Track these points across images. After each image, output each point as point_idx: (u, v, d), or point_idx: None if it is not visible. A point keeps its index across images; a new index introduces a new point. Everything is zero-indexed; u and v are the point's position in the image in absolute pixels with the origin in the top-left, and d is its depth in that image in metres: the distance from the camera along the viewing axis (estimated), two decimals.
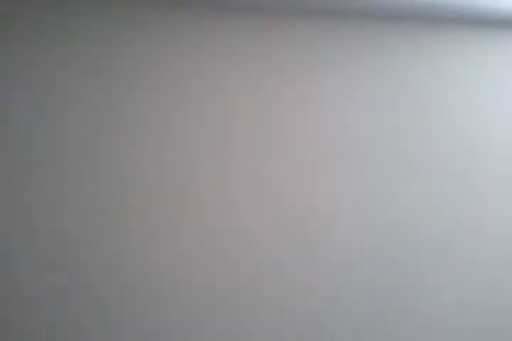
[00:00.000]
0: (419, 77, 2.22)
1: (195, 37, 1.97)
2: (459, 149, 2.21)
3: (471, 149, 2.21)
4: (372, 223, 2.10)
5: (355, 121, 2.12)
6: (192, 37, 1.97)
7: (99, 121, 1.84)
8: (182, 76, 1.94)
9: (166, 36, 1.94)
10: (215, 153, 1.94)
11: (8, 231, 1.71)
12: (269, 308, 1.92)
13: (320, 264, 2.01)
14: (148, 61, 1.91)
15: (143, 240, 1.83)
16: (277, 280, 1.95)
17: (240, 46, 2.02)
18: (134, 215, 1.83)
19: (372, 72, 2.16)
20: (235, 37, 2.03)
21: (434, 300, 2.12)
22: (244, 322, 1.89)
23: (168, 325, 1.82)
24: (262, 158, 2.00)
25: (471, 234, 2.19)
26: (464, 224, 2.18)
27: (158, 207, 1.86)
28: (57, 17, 1.83)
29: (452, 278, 2.15)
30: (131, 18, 1.91)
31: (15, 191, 1.73)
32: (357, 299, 2.03)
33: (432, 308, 2.11)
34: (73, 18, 1.85)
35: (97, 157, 1.82)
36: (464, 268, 2.16)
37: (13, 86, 1.76)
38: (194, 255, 1.87)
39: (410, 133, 2.17)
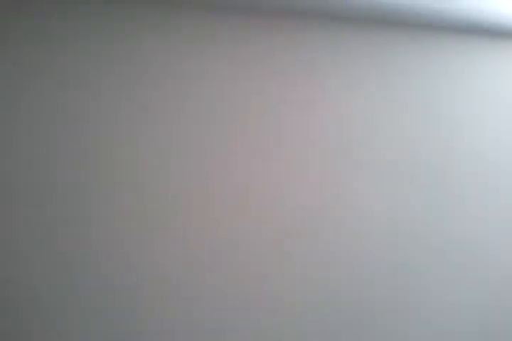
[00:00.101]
0: (419, 81, 2.24)
1: (197, 38, 1.97)
2: (451, 151, 2.23)
3: (461, 148, 2.24)
4: (372, 224, 2.11)
5: (355, 122, 2.12)
6: (193, 38, 1.97)
7: (100, 120, 1.84)
8: (184, 77, 1.95)
9: (168, 38, 1.94)
10: (218, 154, 1.95)
11: (11, 231, 1.71)
12: (273, 308, 1.93)
13: (324, 264, 2.02)
14: (150, 62, 1.91)
15: (147, 240, 1.83)
16: (281, 280, 1.96)
17: (242, 47, 2.03)
18: (138, 214, 1.84)
19: (373, 74, 2.17)
20: (237, 38, 2.03)
21: (433, 299, 2.13)
22: (250, 321, 1.90)
23: (173, 325, 1.82)
24: (264, 159, 2.00)
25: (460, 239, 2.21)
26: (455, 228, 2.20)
27: (161, 207, 1.86)
28: (57, 17, 1.83)
29: (449, 278, 2.17)
30: (132, 18, 1.92)
31: (14, 190, 1.73)
32: (363, 299, 2.04)
33: (432, 307, 2.13)
34: (73, 17, 1.86)
35: (98, 156, 1.82)
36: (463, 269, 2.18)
37: (13, 86, 1.77)
38: (199, 255, 1.88)
39: (407, 135, 2.18)
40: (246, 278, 1.92)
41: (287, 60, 2.07)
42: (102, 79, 1.86)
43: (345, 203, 2.07)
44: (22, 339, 1.66)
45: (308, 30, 2.10)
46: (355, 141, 2.10)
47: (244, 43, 2.03)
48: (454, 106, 2.25)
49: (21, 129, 1.76)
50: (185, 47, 1.96)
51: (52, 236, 1.74)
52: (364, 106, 2.12)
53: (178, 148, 1.90)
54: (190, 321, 1.84)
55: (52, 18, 1.82)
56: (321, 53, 2.10)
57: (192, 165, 1.91)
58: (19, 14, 1.79)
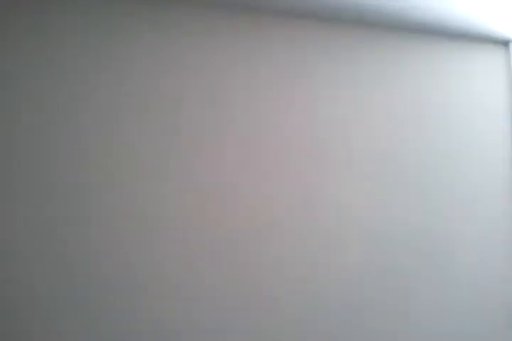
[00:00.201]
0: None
1: (196, 34, 1.99)
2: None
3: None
4: (360, 225, 2.11)
5: (328, 122, 2.15)
6: (192, 34, 1.98)
7: (101, 120, 1.84)
8: (183, 73, 1.95)
9: (168, 33, 1.95)
10: (216, 152, 1.95)
11: (11, 231, 1.71)
12: (276, 308, 1.93)
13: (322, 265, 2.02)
14: (149, 58, 1.92)
15: (146, 240, 1.83)
16: (283, 280, 1.96)
17: (242, 44, 2.04)
18: (137, 214, 1.84)
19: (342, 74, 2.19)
20: (236, 35, 2.04)
21: (422, 301, 2.14)
22: (245, 321, 1.90)
23: (173, 325, 1.82)
24: (256, 157, 2.01)
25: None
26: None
27: (161, 206, 1.86)
28: (56, 16, 1.84)
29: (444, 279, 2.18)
30: (131, 15, 1.92)
31: (15, 190, 1.73)
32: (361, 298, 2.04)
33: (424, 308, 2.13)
34: (73, 17, 1.86)
35: (97, 154, 1.82)
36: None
37: (13, 86, 1.77)
38: (198, 255, 1.88)
39: (380, 135, 2.20)
40: (249, 278, 1.93)
41: (280, 56, 2.09)
42: (102, 78, 1.86)
43: (336, 204, 2.08)
44: (22, 339, 1.66)
45: (310, 29, 2.13)
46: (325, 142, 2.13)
47: (243, 40, 2.05)
48: (420, 106, 2.28)
49: (21, 129, 1.76)
50: (185, 43, 1.97)
51: (52, 236, 1.73)
52: (332, 105, 2.14)
53: (177, 147, 1.91)
54: (190, 321, 1.83)
55: (50, 14, 1.83)
56: (319, 51, 2.13)
57: (189, 162, 1.92)
58: (18, 10, 1.80)
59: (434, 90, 2.30)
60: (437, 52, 2.34)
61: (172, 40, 1.96)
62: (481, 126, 2.35)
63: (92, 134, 1.82)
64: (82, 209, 1.78)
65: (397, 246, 2.12)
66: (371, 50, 2.23)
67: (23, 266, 1.70)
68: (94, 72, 1.85)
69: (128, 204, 1.83)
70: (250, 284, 1.92)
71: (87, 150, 1.81)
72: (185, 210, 1.88)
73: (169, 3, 1.96)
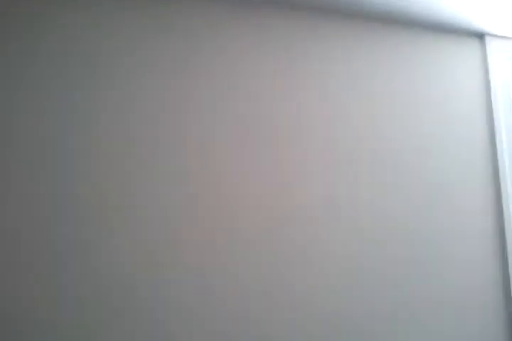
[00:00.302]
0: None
1: (197, 30, 2.01)
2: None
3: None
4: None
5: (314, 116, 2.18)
6: (195, 28, 2.01)
7: (101, 120, 1.84)
8: (186, 71, 1.97)
9: (176, 28, 1.97)
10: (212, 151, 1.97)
11: (12, 230, 1.69)
12: (274, 308, 1.94)
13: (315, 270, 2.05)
14: (154, 56, 1.93)
15: (145, 240, 1.83)
16: (276, 281, 1.97)
17: (244, 40, 2.08)
18: (136, 218, 1.84)
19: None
20: (241, 30, 2.08)
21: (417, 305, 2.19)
22: (250, 322, 1.91)
23: (173, 324, 1.81)
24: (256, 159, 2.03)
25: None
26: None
27: (155, 207, 1.86)
28: (56, 16, 1.84)
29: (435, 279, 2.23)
30: (133, 14, 1.93)
31: (15, 190, 1.72)
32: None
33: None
34: (73, 16, 1.86)
35: (95, 155, 1.82)
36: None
37: (13, 86, 1.76)
38: (197, 257, 1.88)
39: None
40: (247, 279, 1.94)
41: (275, 50, 2.14)
42: (102, 78, 1.86)
43: (326, 198, 2.12)
44: (22, 339, 1.64)
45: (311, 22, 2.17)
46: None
47: (243, 34, 2.09)
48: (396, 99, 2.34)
49: (21, 130, 1.75)
50: (188, 38, 2.00)
51: (52, 236, 1.72)
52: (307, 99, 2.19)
53: (177, 144, 1.92)
54: (190, 321, 1.84)
55: (52, 18, 1.83)
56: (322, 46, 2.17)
57: (196, 165, 1.93)
58: (19, 14, 1.79)
59: (409, 82, 2.33)
60: (413, 44, 2.38)
61: (174, 35, 1.97)
62: (456, 119, 2.39)
63: (93, 135, 1.82)
64: (80, 209, 1.77)
65: (384, 243, 2.15)
66: (345, 41, 2.27)
67: (33, 267, 1.68)
68: (95, 73, 1.86)
69: (125, 207, 1.82)
70: (253, 284, 1.94)
71: (84, 150, 1.81)
72: (187, 210, 1.89)
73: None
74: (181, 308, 1.82)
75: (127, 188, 1.83)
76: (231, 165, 1.97)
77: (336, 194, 2.10)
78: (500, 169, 2.39)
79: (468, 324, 2.21)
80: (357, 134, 2.19)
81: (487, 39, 2.50)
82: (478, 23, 2.40)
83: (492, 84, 2.45)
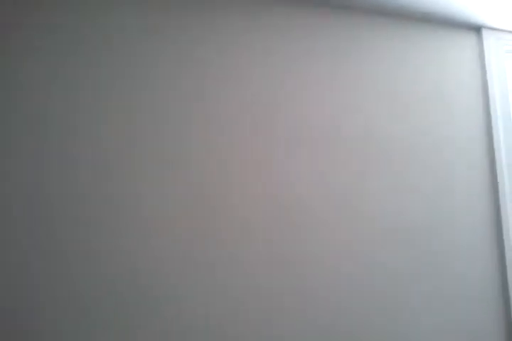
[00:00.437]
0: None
1: (198, 27, 2.01)
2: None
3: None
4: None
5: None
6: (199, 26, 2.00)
7: (102, 120, 1.84)
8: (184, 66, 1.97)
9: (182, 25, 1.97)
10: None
11: (11, 231, 1.70)
12: (273, 308, 1.94)
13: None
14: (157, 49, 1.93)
15: (147, 242, 1.84)
16: (274, 278, 1.98)
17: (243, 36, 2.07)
18: (138, 215, 1.84)
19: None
20: (240, 26, 2.08)
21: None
22: (249, 321, 1.92)
23: (173, 324, 1.82)
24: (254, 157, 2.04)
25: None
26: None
27: (155, 199, 1.87)
28: (59, 16, 1.84)
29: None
30: (132, 16, 1.93)
31: (14, 190, 1.72)
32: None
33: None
34: (73, 16, 1.86)
35: (95, 156, 1.82)
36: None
37: (13, 86, 1.76)
38: (198, 257, 1.89)
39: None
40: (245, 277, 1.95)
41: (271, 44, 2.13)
42: (102, 78, 1.87)
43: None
44: (22, 339, 1.65)
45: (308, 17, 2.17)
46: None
47: (245, 34, 2.09)
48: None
49: (22, 130, 1.75)
50: (193, 37, 2.00)
51: (51, 236, 1.73)
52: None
53: (177, 142, 1.93)
54: (191, 321, 1.84)
55: (51, 12, 1.83)
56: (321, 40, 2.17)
57: (194, 166, 1.94)
58: (19, 14, 1.79)
59: (406, 76, 2.33)
60: (409, 37, 2.37)
61: (174, 35, 1.97)
62: (453, 111, 2.39)
63: (93, 135, 1.82)
64: (81, 209, 1.78)
65: (385, 234, 2.16)
66: (343, 34, 2.27)
67: (41, 272, 1.69)
68: (95, 73, 1.86)
69: (127, 204, 1.83)
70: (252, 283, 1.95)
71: (90, 148, 1.81)
72: (188, 210, 1.90)
73: None
74: (188, 306, 1.83)
75: (132, 188, 1.83)
76: (237, 159, 1.98)
77: (339, 186, 2.11)
78: (496, 159, 2.40)
79: (465, 316, 2.23)
80: (357, 128, 2.19)
81: (484, 32, 2.50)
82: (475, 16, 2.39)
83: (489, 77, 2.45)
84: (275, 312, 1.93)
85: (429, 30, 2.42)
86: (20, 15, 1.80)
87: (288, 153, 2.06)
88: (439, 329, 2.17)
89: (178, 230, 1.86)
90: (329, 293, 2.01)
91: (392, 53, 2.33)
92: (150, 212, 1.84)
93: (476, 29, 2.53)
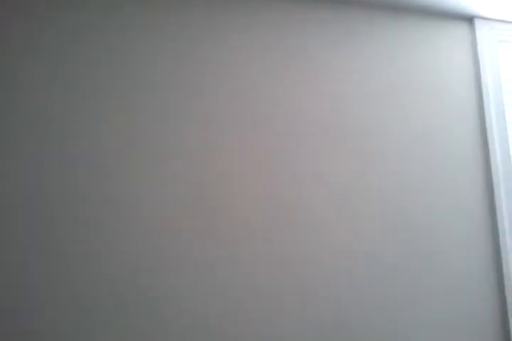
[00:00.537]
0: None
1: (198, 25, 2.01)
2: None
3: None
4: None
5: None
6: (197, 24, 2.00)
7: (102, 120, 1.84)
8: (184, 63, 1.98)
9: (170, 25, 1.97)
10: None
11: (11, 231, 1.71)
12: (273, 308, 1.95)
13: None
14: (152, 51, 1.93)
15: (148, 241, 1.84)
16: (274, 277, 1.98)
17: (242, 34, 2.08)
18: (138, 215, 1.85)
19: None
20: (238, 23, 2.08)
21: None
22: (249, 321, 1.93)
23: (173, 325, 1.82)
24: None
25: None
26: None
27: (159, 203, 1.87)
28: (59, 16, 1.83)
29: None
30: (131, 14, 1.93)
31: (14, 190, 1.73)
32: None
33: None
34: (73, 16, 1.85)
35: (94, 156, 1.82)
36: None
37: (13, 86, 1.76)
38: (198, 257, 1.89)
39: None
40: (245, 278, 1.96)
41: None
42: (102, 78, 1.87)
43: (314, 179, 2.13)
44: (22, 339, 1.66)
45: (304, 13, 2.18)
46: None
47: (244, 32, 2.09)
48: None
49: (21, 130, 1.75)
50: (192, 36, 2.00)
51: (51, 236, 1.73)
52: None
53: (177, 141, 1.93)
54: (192, 321, 1.84)
55: (52, 18, 1.82)
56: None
57: (195, 165, 1.94)
58: (19, 14, 1.78)
59: (399, 66, 2.32)
60: (402, 28, 2.36)
61: (174, 34, 1.97)
62: (446, 102, 2.38)
63: (93, 135, 1.82)
64: (81, 209, 1.78)
65: (384, 230, 2.16)
66: (341, 29, 2.26)
67: (41, 273, 1.70)
68: (95, 73, 1.86)
69: (127, 204, 1.83)
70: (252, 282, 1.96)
71: (90, 148, 1.81)
72: (188, 210, 1.90)
73: None
74: (188, 307, 1.84)
75: (132, 188, 1.84)
76: (237, 158, 1.98)
77: (339, 185, 2.12)
78: (490, 148, 2.39)
79: (464, 315, 2.23)
80: (355, 122, 2.19)
81: (476, 22, 2.49)
82: (468, 6, 2.38)
83: (482, 67, 2.45)
84: (275, 312, 1.94)
85: (422, 21, 2.41)
86: (21, 15, 1.79)
87: (288, 151, 2.06)
88: (439, 329, 2.17)
89: (178, 230, 1.86)
90: (329, 293, 2.02)
91: (386, 45, 2.32)
92: (150, 212, 1.84)
93: (469, 19, 2.52)
